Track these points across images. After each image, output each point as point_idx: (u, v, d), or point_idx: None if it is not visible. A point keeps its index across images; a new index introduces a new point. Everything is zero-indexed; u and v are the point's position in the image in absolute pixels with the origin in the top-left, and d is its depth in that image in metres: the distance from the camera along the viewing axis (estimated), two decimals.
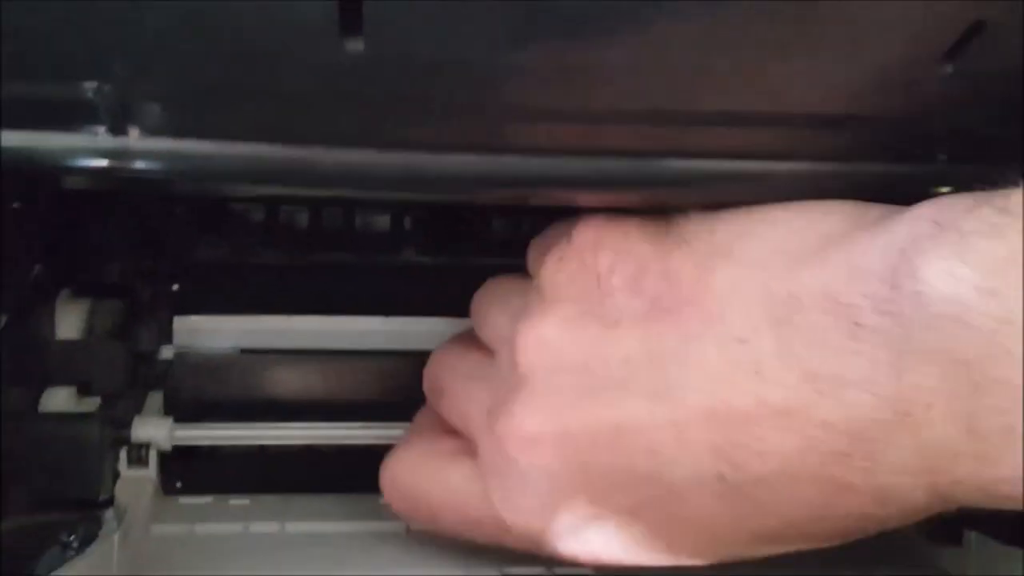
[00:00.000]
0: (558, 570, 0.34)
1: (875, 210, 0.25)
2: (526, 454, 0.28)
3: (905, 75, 0.24)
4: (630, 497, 0.27)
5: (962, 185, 0.24)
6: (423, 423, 0.36)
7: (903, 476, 0.23)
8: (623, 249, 0.28)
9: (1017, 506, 0.22)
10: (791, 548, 0.27)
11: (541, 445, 0.28)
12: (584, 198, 0.29)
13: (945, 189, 0.26)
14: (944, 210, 0.23)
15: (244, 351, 0.42)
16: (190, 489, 0.41)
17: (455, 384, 0.33)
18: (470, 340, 0.34)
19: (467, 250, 0.44)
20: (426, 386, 0.35)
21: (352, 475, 0.41)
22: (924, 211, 0.24)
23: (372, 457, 0.41)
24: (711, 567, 0.28)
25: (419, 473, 0.34)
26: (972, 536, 0.37)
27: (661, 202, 0.29)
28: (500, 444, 0.29)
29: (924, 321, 0.22)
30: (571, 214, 0.30)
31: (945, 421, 0.22)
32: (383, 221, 0.44)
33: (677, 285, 0.27)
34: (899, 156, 0.27)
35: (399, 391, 0.41)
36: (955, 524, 0.37)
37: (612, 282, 0.28)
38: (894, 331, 0.22)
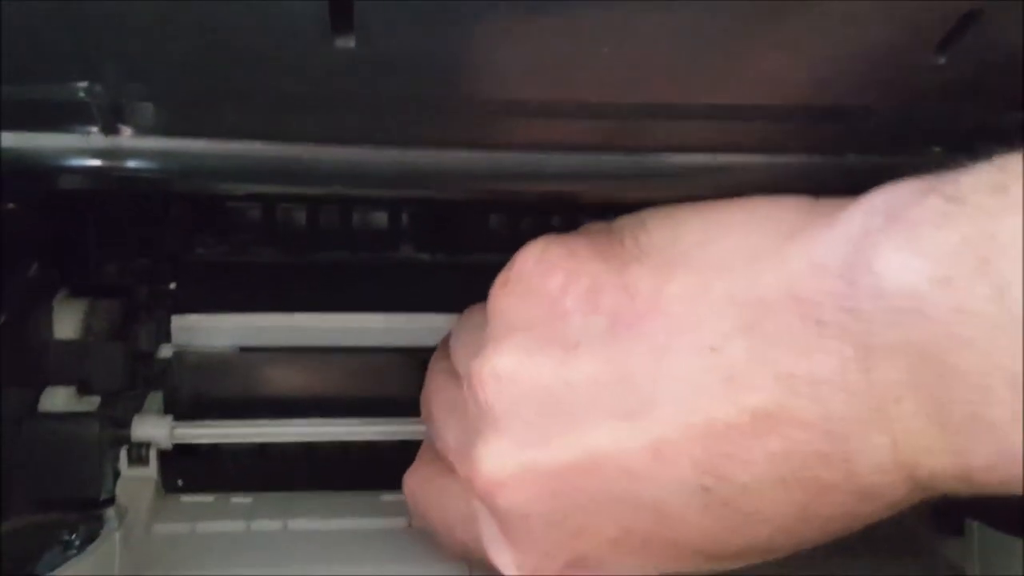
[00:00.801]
0: None
1: (828, 202, 0.25)
2: (493, 497, 0.27)
3: (898, 66, 0.24)
4: (612, 525, 0.26)
5: None
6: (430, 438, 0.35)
7: (882, 473, 0.23)
8: (572, 268, 0.27)
9: (997, 492, 0.22)
10: (779, 555, 0.27)
11: (508, 487, 0.27)
12: (577, 192, 0.29)
13: None
14: (893, 200, 0.23)
15: (243, 349, 0.42)
16: (191, 488, 0.41)
17: (437, 413, 0.33)
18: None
19: (464, 247, 0.44)
20: (422, 404, 0.35)
21: (353, 471, 0.41)
22: (874, 202, 0.23)
23: (372, 453, 0.41)
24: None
25: (424, 491, 0.34)
26: (974, 526, 0.37)
27: (653, 196, 0.28)
28: (468, 485, 0.28)
29: (883, 315, 0.22)
30: (567, 208, 0.30)
31: (916, 415, 0.22)
32: (380, 218, 0.44)
33: (637, 298, 0.26)
34: (894, 148, 0.27)
35: (398, 387, 0.41)
36: (956, 514, 0.38)
37: (565, 303, 0.27)
38: (855, 326, 0.22)
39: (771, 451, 0.24)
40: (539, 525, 0.27)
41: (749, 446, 0.24)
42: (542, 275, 0.28)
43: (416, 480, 0.34)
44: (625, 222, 0.28)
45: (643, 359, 0.25)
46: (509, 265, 0.29)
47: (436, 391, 0.33)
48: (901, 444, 0.23)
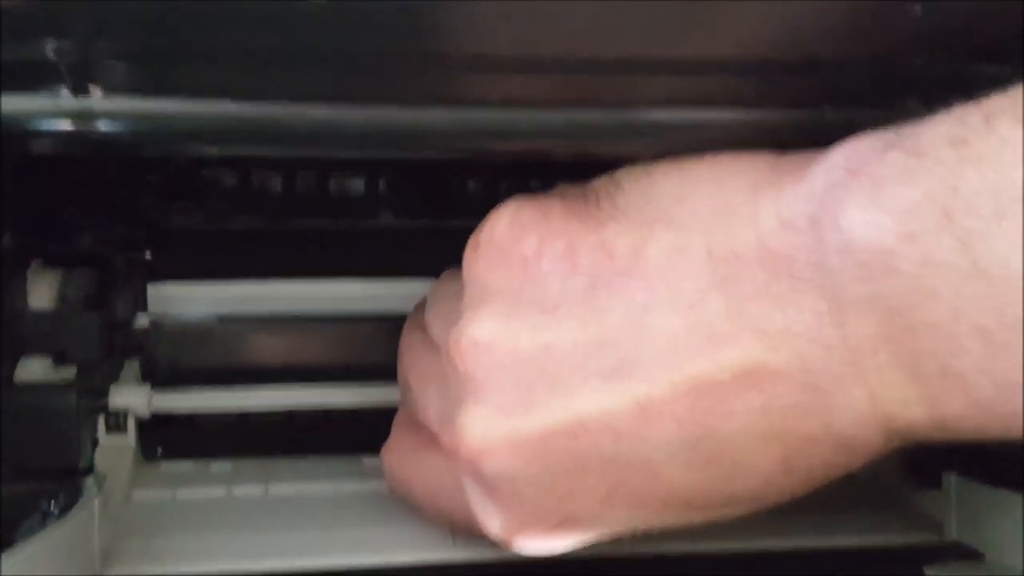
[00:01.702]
0: None
1: (797, 156, 0.25)
2: (479, 467, 0.27)
3: (874, 16, 0.24)
4: (600, 485, 0.27)
5: None
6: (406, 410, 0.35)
7: (860, 424, 0.23)
8: (547, 230, 0.27)
9: (974, 438, 0.23)
10: (765, 504, 0.27)
11: (494, 455, 0.27)
12: (553, 149, 0.29)
13: None
14: (855, 156, 0.23)
15: (220, 317, 0.42)
16: (171, 455, 0.41)
17: (416, 383, 0.32)
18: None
19: (443, 212, 0.44)
20: (398, 374, 0.34)
21: (333, 437, 0.41)
22: (837, 158, 0.23)
23: (352, 419, 0.41)
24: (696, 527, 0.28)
25: (403, 464, 0.34)
26: (951, 478, 0.37)
27: (631, 152, 0.28)
28: (453, 456, 0.28)
29: (852, 270, 0.22)
30: (545, 171, 0.30)
31: (891, 368, 0.22)
32: (358, 184, 0.44)
33: (615, 257, 0.26)
34: (871, 101, 0.27)
35: (377, 354, 0.41)
36: (934, 467, 0.38)
37: (542, 266, 0.27)
38: (826, 281, 0.22)
39: (752, 406, 0.24)
40: (528, 490, 0.27)
41: (731, 402, 0.24)
42: (515, 239, 0.27)
43: (395, 454, 0.34)
44: (599, 183, 0.28)
45: (624, 319, 0.25)
46: (479, 229, 0.28)
47: (412, 362, 0.33)
48: (877, 396, 0.23)
